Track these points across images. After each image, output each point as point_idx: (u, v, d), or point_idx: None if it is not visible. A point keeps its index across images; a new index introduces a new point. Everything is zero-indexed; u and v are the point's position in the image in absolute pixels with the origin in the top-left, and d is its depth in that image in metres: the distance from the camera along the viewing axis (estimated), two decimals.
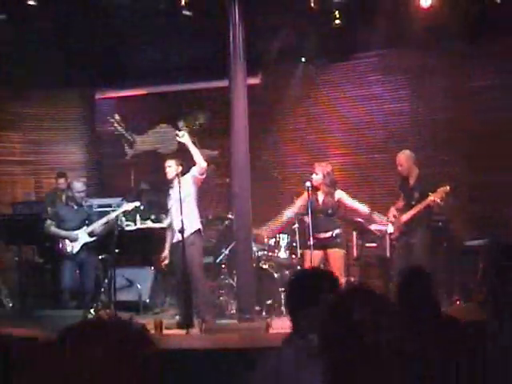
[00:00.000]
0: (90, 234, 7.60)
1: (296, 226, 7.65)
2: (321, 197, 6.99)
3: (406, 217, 7.01)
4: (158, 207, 8.50)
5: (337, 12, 8.28)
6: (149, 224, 8.65)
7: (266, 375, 2.38)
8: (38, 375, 1.27)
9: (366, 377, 1.45)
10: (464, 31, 8.14)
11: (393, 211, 7.17)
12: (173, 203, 7.04)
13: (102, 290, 7.76)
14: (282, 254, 7.98)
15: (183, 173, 7.00)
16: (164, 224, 7.54)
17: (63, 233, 7.57)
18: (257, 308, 7.39)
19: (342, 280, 6.51)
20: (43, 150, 10.63)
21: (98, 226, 7.59)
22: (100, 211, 8.17)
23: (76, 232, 7.56)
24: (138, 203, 7.78)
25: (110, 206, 8.53)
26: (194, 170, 7.00)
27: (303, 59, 9.68)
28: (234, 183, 7.38)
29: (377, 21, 8.23)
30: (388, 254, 7.75)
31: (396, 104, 9.39)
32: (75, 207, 7.70)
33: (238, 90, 7.29)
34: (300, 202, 7.19)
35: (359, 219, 7.86)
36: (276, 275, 7.72)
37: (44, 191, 10.13)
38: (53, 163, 10.44)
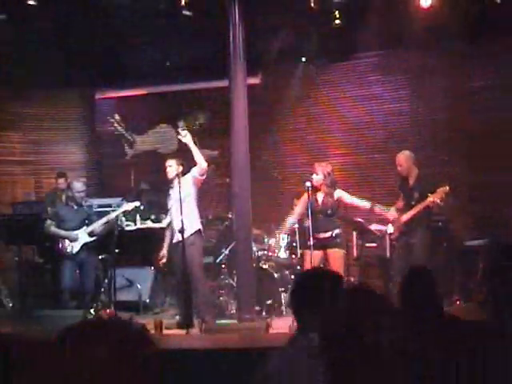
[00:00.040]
0: (90, 234, 7.60)
1: (296, 226, 7.66)
2: (320, 197, 6.99)
3: (405, 217, 7.01)
4: (158, 207, 8.49)
5: (337, 12, 8.29)
6: (149, 224, 8.65)
7: (269, 375, 2.38)
8: (37, 375, 1.27)
9: (366, 377, 1.45)
10: (464, 31, 8.14)
11: (393, 211, 7.17)
12: (173, 203, 7.04)
13: (102, 290, 7.76)
14: (282, 254, 7.98)
15: (184, 173, 7.00)
16: (163, 224, 7.54)
17: (63, 233, 7.57)
18: (257, 308, 7.39)
19: None
20: (43, 150, 10.63)
21: (97, 225, 7.59)
22: (100, 211, 8.17)
23: (76, 232, 7.56)
24: (137, 203, 7.77)
25: (110, 205, 8.53)
26: (195, 171, 7.00)
27: (303, 59, 9.69)
28: (234, 183, 7.38)
29: (377, 21, 8.23)
30: (388, 254, 7.75)
31: (396, 104, 9.40)
32: (75, 207, 7.70)
33: (238, 90, 7.29)
34: (299, 209, 7.15)
35: (359, 219, 7.86)
36: (276, 275, 7.72)
37: (44, 191, 10.13)
38: (53, 163, 10.44)
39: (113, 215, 7.55)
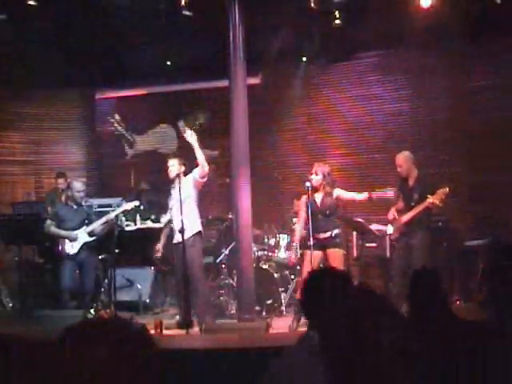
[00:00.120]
0: (90, 234, 7.60)
1: (296, 226, 7.65)
2: (320, 197, 6.98)
3: (405, 218, 7.00)
4: (158, 207, 8.49)
5: (337, 12, 8.29)
6: (149, 224, 8.65)
7: (277, 374, 2.38)
8: (37, 375, 1.27)
9: (367, 377, 1.44)
10: (464, 31, 8.14)
11: (393, 212, 7.17)
12: (174, 203, 7.03)
13: (102, 290, 7.76)
14: (282, 254, 7.98)
15: (185, 173, 6.99)
16: (162, 223, 7.53)
17: (63, 233, 7.57)
18: (257, 308, 7.39)
19: None
20: (43, 150, 10.63)
21: (97, 225, 7.59)
22: (100, 211, 8.16)
23: (76, 232, 7.56)
24: (137, 202, 7.77)
25: (110, 206, 8.52)
26: (196, 173, 6.97)
27: (303, 59, 9.69)
28: (234, 183, 7.38)
29: (377, 21, 8.22)
30: (388, 254, 7.75)
31: (396, 104, 9.40)
32: (75, 207, 7.70)
33: (238, 90, 7.29)
34: (304, 213, 7.02)
35: (359, 219, 7.85)
36: (276, 275, 7.72)
37: (44, 191, 10.14)
38: (53, 163, 10.44)
39: (112, 215, 7.55)
